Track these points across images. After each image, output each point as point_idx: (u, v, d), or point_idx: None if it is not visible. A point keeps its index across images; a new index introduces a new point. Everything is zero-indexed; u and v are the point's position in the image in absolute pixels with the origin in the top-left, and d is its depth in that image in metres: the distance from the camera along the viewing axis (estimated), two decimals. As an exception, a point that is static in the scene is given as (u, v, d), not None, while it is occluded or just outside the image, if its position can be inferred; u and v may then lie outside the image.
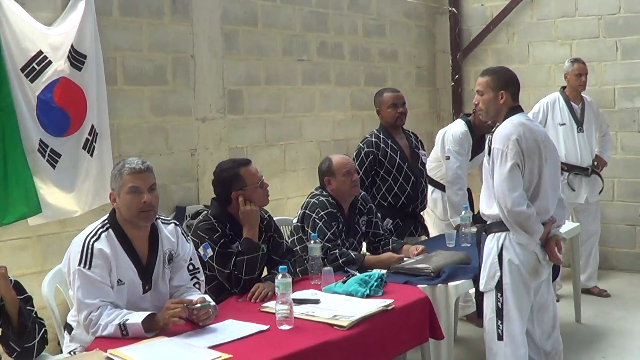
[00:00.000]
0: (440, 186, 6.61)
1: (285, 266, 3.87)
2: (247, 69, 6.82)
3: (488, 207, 4.44)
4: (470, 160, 6.49)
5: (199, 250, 4.33)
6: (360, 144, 6.00)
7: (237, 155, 6.41)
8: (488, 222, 4.49)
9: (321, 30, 7.65)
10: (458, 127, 6.44)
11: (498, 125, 4.42)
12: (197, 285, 4.10)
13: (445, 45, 9.45)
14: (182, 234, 4.10)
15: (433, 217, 6.71)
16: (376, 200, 5.85)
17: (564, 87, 7.54)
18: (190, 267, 4.11)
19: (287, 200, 7.12)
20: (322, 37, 7.66)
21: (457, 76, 9.36)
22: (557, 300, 6.74)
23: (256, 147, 6.89)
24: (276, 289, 3.75)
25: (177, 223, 4.12)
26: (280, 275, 3.74)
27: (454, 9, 9.26)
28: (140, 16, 5.93)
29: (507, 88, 4.41)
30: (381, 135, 5.97)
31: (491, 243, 4.42)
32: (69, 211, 5.17)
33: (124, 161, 3.90)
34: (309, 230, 4.97)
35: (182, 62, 6.23)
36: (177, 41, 6.20)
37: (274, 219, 4.93)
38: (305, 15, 7.46)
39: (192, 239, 4.35)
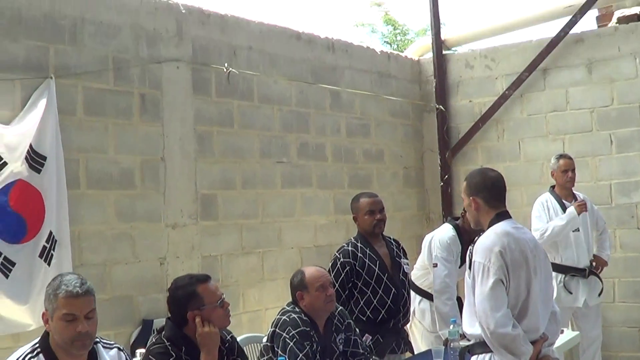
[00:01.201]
0: (428, 295, 6.27)
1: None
2: (222, 172, 6.59)
3: (470, 326, 4.01)
4: (459, 267, 6.13)
5: (151, 378, 3.85)
6: (336, 254, 5.61)
7: (212, 264, 6.30)
8: (471, 342, 4.06)
9: (302, 130, 7.45)
10: (445, 232, 6.16)
11: (482, 234, 4.01)
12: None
13: (433, 144, 9.27)
14: (127, 359, 3.62)
15: (421, 329, 6.35)
16: (354, 315, 5.42)
17: (553, 186, 7.29)
18: (136, 398, 3.62)
19: (266, 311, 6.78)
20: (303, 137, 7.45)
21: (446, 176, 9.12)
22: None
23: (232, 255, 6.60)
24: None
25: (121, 347, 3.67)
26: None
27: (441, 106, 9.11)
28: (106, 116, 5.75)
29: (477, 194, 4.06)
30: (359, 244, 5.57)
31: (475, 366, 3.96)
32: (22, 324, 4.93)
33: (61, 279, 3.45)
34: (279, 352, 4.50)
35: (151, 164, 6.02)
36: (147, 143, 6.00)
37: (248, 335, 4.73)
38: (285, 115, 7.27)
39: (144, 365, 3.88)
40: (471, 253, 3.97)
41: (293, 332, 4.53)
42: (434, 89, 9.21)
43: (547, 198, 7.19)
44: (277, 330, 4.60)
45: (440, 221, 8.57)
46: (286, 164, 7.22)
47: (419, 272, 6.34)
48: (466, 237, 6.00)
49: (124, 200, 5.81)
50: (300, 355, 4.46)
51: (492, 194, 4.06)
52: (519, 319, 3.83)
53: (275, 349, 4.57)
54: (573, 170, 7.12)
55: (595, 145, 8.26)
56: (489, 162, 8.48)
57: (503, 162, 8.52)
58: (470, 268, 3.95)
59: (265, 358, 4.69)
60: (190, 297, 3.96)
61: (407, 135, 9.09)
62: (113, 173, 5.75)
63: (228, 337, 4.21)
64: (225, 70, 6.60)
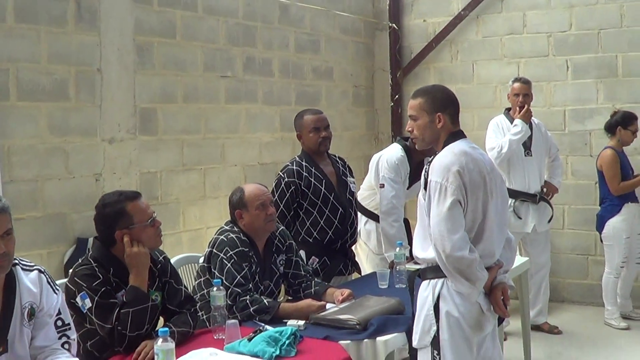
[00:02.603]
0: (374, 216, 6.07)
1: (167, 329, 3.18)
2: (162, 84, 6.28)
3: (423, 250, 3.79)
4: (407, 188, 5.95)
5: (77, 300, 3.62)
6: (280, 173, 5.38)
7: (151, 181, 6.07)
8: (422, 267, 3.84)
9: (248, 44, 7.14)
10: (394, 151, 5.92)
11: (436, 154, 3.78)
12: (66, 346, 3.37)
13: (384, 63, 9.09)
14: (48, 282, 3.38)
15: (366, 251, 6.16)
16: (300, 236, 5.25)
17: (508, 109, 7.18)
18: (59, 323, 3.38)
19: (207, 230, 6.54)
20: (249, 51, 7.15)
21: (397, 96, 8.98)
22: (505, 339, 6.32)
23: (172, 172, 6.34)
24: (155, 357, 3.05)
25: (43, 269, 3.41)
26: (160, 340, 3.05)
27: (394, 24, 8.93)
28: (39, 23, 5.36)
29: (444, 110, 3.79)
30: (303, 163, 5.35)
31: (426, 291, 3.76)
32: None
33: None
34: (216, 273, 4.28)
35: (87, 76, 5.67)
36: (82, 53, 5.64)
37: (184, 255, 4.57)
38: (231, 27, 6.94)
39: (69, 286, 3.64)
40: (427, 172, 3.74)
41: (231, 252, 4.32)
42: (387, 7, 9.01)
43: (501, 119, 7.09)
44: (214, 250, 4.39)
45: (390, 142, 8.54)
46: (231, 78, 6.94)
47: (365, 193, 6.15)
48: (415, 157, 5.86)
49: (57, 113, 5.49)
50: (238, 276, 4.26)
51: (456, 110, 3.84)
52: (474, 243, 3.64)
53: (212, 270, 4.36)
54: (525, 95, 7.00)
55: (550, 71, 8.15)
56: (442, 84, 7.84)
57: (456, 84, 8.29)
58: (425, 188, 3.73)
59: (202, 279, 4.49)
60: (118, 215, 3.72)
61: (358, 53, 8.87)
62: (45, 84, 5.41)
63: (160, 258, 4.00)
64: (168, -23, 6.25)
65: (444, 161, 3.68)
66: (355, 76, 8.82)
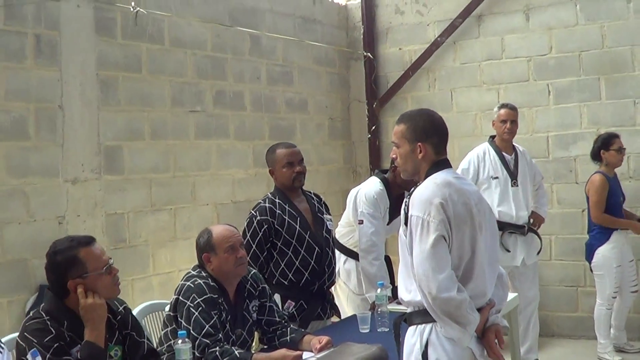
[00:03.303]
0: (353, 255, 5.85)
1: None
2: (128, 121, 6.07)
3: (407, 291, 3.48)
4: (387, 224, 5.74)
5: (27, 357, 3.28)
6: (252, 212, 5.07)
7: (117, 223, 5.85)
8: (409, 311, 3.52)
9: (218, 77, 6.96)
10: (372, 185, 5.70)
11: (418, 185, 3.49)
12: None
13: (360, 94, 8.92)
14: None
15: (346, 291, 5.92)
16: (274, 279, 4.94)
17: (493, 137, 6.96)
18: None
19: (179, 273, 6.24)
20: (219, 85, 6.96)
21: (374, 127, 8.80)
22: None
23: (140, 213, 6.10)
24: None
25: None
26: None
27: (369, 53, 8.80)
28: None
29: (425, 139, 3.49)
30: (276, 200, 5.05)
31: (413, 338, 3.44)
32: None
33: None
34: (183, 322, 3.96)
35: (47, 113, 5.50)
36: (42, 88, 5.48)
37: (150, 303, 4.39)
38: (199, 60, 6.76)
39: (19, 342, 3.31)
40: (407, 206, 3.44)
41: (198, 299, 4.00)
42: (361, 36, 8.86)
43: (485, 149, 6.86)
44: (180, 298, 4.06)
45: (368, 175, 8.32)
46: (200, 112, 6.72)
47: (343, 230, 5.92)
48: (395, 191, 5.67)
49: (16, 152, 5.27)
50: (207, 326, 3.94)
51: (442, 139, 3.55)
52: (463, 283, 3.33)
53: (179, 319, 4.03)
54: (513, 122, 6.80)
55: (532, 96, 7.97)
56: None
57: None
58: (406, 224, 3.43)
59: (168, 329, 4.16)
60: (70, 264, 3.39)
61: (332, 84, 8.69)
62: (3, 122, 5.20)
63: (120, 309, 3.67)
64: (132, 9, 6.06)
65: (425, 193, 3.39)
66: (331, 108, 8.63)
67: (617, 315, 7.15)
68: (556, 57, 7.88)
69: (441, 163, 3.53)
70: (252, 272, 4.40)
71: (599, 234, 6.94)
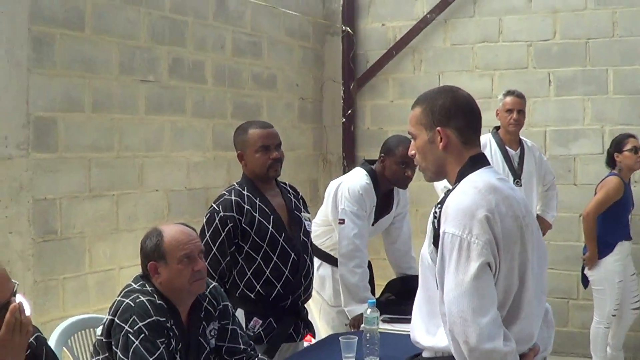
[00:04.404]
0: (330, 259, 5.08)
1: None
2: (65, 88, 5.28)
3: (429, 334, 2.62)
4: (372, 224, 4.98)
5: None
6: (214, 205, 4.14)
7: (47, 211, 5.18)
8: (426, 356, 2.63)
9: (176, 42, 6.22)
10: (357, 179, 4.91)
11: (452, 189, 2.61)
12: None
13: (336, 73, 8.35)
14: None
15: (319, 303, 5.14)
16: (238, 290, 4.04)
17: (497, 128, 6.36)
18: None
19: (120, 271, 5.55)
20: (177, 52, 6.23)
21: (349, 111, 8.22)
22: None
23: (76, 199, 5.31)
24: None
25: None
26: None
27: (348, 28, 8.22)
28: None
29: (446, 122, 2.67)
30: (245, 192, 4.12)
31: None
32: None
33: None
34: (119, 353, 3.02)
35: None
36: None
37: (86, 316, 3.70)
38: (155, 21, 5.99)
39: None
40: (437, 218, 2.57)
41: (140, 324, 3.04)
42: (340, 8, 8.27)
43: (487, 141, 6.15)
44: (116, 320, 3.09)
45: (340, 164, 8.16)
46: (153, 83, 5.97)
47: (319, 229, 5.08)
48: (384, 186, 4.96)
49: None
50: (150, 359, 2.99)
51: (470, 122, 2.69)
52: (508, 324, 2.51)
53: (114, 348, 3.07)
54: (520, 112, 6.25)
55: (530, 85, 7.42)
56: (402, 98, 7.85)
57: None
58: (435, 243, 2.56)
59: (99, 358, 3.19)
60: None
61: (305, 60, 8.08)
62: None
63: (31, 340, 2.70)
64: (75, -47, 5.30)
65: (464, 202, 2.52)
66: (302, 86, 8.04)
67: (616, 334, 6.58)
68: (560, 44, 7.41)
69: (478, 159, 2.69)
70: (211, 286, 3.45)
71: (601, 244, 6.36)
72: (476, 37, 7.74)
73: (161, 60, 6.06)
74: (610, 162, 6.49)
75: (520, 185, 6.10)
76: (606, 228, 6.32)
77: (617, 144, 6.43)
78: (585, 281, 6.46)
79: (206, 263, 3.44)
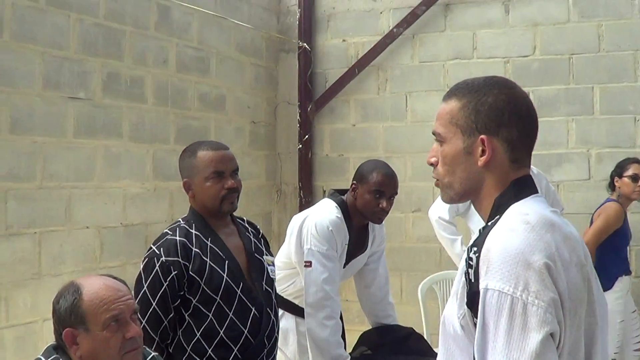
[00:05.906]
0: (293, 309, 4.42)
1: None
2: None
3: None
4: (344, 266, 4.31)
5: None
6: (154, 248, 3.37)
7: None
8: None
9: (111, 55, 5.72)
10: (326, 213, 4.25)
11: (494, 223, 1.91)
12: None
13: (291, 94, 7.98)
14: None
15: None
16: (184, 355, 3.28)
17: None
18: None
19: (44, 324, 4.92)
20: (112, 66, 5.73)
21: (306, 136, 7.84)
22: None
23: None
24: None
25: None
26: None
27: (305, 44, 7.87)
28: None
29: (497, 130, 1.94)
30: (193, 231, 3.38)
31: None
32: None
33: None
34: None
35: None
36: None
37: None
38: (87, 29, 5.47)
39: None
40: (472, 267, 1.84)
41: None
42: (296, 22, 7.91)
43: None
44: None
45: (296, 195, 7.77)
46: (84, 101, 5.44)
47: (280, 273, 4.37)
48: (357, 220, 4.30)
49: None
50: None
51: (526, 133, 1.98)
52: None
53: None
54: None
55: None
56: (365, 121, 7.59)
57: (384, 122, 7.43)
58: (470, 305, 1.85)
59: None
60: None
61: (258, 79, 7.68)
62: None
63: None
64: (-8, -53, 4.72)
65: (514, 244, 1.79)
66: (254, 109, 7.62)
67: (617, 377, 6.26)
68: (541, 60, 7.13)
69: (524, 184, 1.98)
70: (149, 357, 2.67)
71: (600, 279, 5.70)
72: (448, 53, 7.43)
73: (94, 74, 5.57)
74: (612, 186, 6.21)
75: None
76: (604, 261, 5.90)
77: (619, 168, 6.15)
78: None
79: (143, 323, 2.69)
